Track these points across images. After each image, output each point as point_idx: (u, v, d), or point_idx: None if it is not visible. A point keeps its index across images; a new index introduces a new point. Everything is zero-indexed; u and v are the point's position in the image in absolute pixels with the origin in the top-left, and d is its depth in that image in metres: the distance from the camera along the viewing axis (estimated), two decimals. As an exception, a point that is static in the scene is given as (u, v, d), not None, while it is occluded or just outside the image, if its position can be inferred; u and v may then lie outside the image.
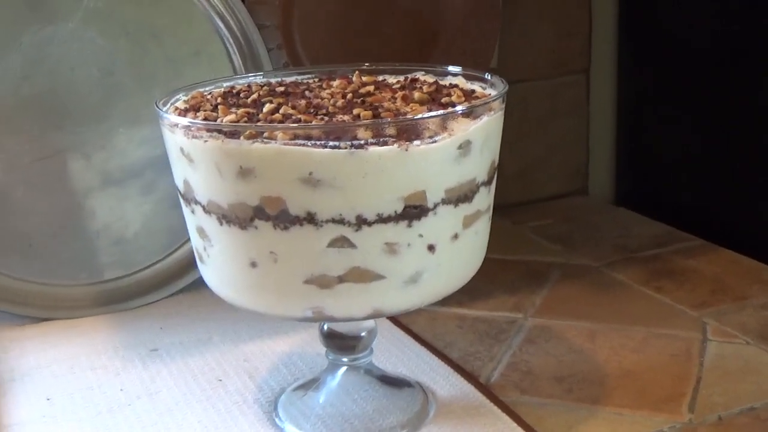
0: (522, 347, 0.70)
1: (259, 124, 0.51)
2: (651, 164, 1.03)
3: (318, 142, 0.48)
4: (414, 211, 0.50)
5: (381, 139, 0.48)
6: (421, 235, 0.51)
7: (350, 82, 0.62)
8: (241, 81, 0.64)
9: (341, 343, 0.60)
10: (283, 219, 0.50)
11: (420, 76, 0.63)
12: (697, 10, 0.93)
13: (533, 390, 0.64)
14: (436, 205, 0.51)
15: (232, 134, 0.50)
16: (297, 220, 0.50)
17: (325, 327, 0.60)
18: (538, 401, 0.62)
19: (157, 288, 0.81)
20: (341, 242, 0.50)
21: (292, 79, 0.65)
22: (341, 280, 0.51)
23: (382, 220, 0.50)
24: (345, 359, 0.61)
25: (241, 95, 0.59)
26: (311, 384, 0.63)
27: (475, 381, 0.64)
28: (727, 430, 0.58)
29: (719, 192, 0.94)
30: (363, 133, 0.49)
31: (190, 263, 0.81)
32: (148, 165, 0.80)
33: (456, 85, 0.60)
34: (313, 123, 0.50)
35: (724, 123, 0.92)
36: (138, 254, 0.81)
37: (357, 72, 0.63)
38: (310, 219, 0.49)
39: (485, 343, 0.71)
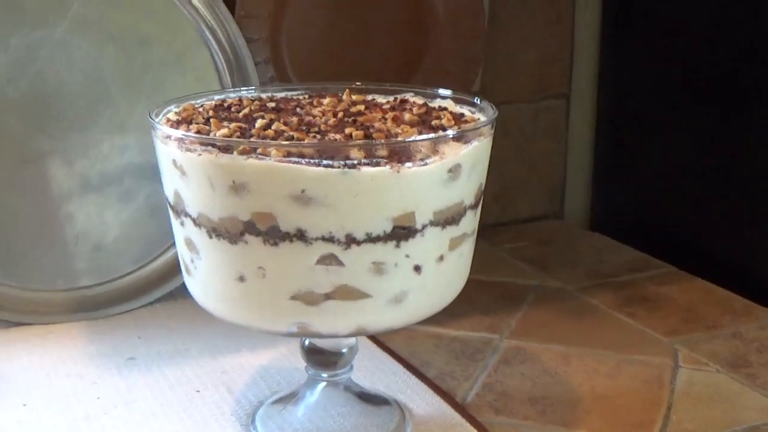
0: (497, 368, 0.71)
1: (253, 140, 0.51)
2: (626, 191, 1.05)
3: (311, 161, 0.49)
4: (402, 231, 0.51)
5: (373, 160, 0.49)
6: (408, 256, 0.52)
7: (340, 101, 0.62)
8: (232, 95, 0.64)
9: (322, 358, 0.60)
10: (273, 235, 0.50)
11: (409, 97, 0.64)
12: (676, 42, 0.95)
13: (508, 411, 0.65)
14: (424, 227, 0.52)
15: (226, 149, 0.50)
16: (287, 237, 0.50)
17: (307, 342, 0.60)
18: (512, 422, 0.63)
19: (134, 297, 0.81)
20: (330, 260, 0.51)
21: (283, 95, 0.65)
22: (328, 297, 0.52)
23: (371, 239, 0.50)
24: (325, 375, 0.61)
25: (232, 109, 0.60)
26: (289, 398, 0.64)
27: (451, 400, 0.65)
28: (698, 457, 0.60)
29: (693, 221, 0.96)
30: (355, 153, 0.49)
31: (168, 272, 0.82)
32: (129, 172, 0.80)
33: (445, 108, 0.61)
34: (307, 141, 0.51)
35: (699, 153, 0.94)
36: (116, 262, 0.81)
37: (347, 90, 0.64)
38: (300, 236, 0.50)
39: (461, 362, 0.72)
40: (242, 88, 0.66)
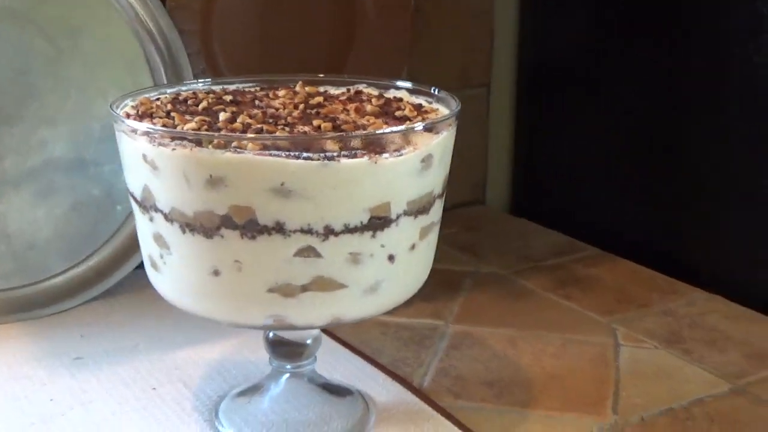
0: (448, 353, 0.72)
1: (233, 134, 0.51)
2: (545, 176, 1.08)
3: (291, 153, 0.49)
4: (378, 222, 0.52)
5: (351, 152, 0.50)
6: (383, 246, 0.52)
7: (295, 93, 0.62)
8: (184, 88, 0.63)
9: (287, 350, 0.60)
10: (251, 228, 0.50)
11: (362, 88, 0.64)
12: (593, 30, 0.98)
13: (466, 395, 0.66)
14: (398, 217, 0.52)
15: (199, 142, 0.50)
16: (265, 230, 0.50)
17: (271, 334, 0.60)
18: (472, 406, 0.65)
19: (71, 295, 0.79)
20: (308, 252, 0.51)
21: (235, 87, 0.65)
22: (305, 289, 0.52)
23: (349, 230, 0.51)
24: (289, 366, 0.61)
25: (189, 102, 0.59)
26: (253, 391, 0.63)
27: (411, 387, 0.66)
28: (650, 430, 0.62)
29: (611, 204, 0.99)
30: (330, 145, 0.50)
31: (105, 269, 0.80)
32: (60, 168, 0.79)
33: (401, 99, 0.61)
34: (281, 134, 0.51)
35: (616, 139, 0.97)
36: (50, 260, 0.79)
37: (301, 82, 0.64)
38: (279, 229, 0.50)
39: (411, 349, 0.73)
40: (194, 81, 0.65)
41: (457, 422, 0.61)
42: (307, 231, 0.50)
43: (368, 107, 0.58)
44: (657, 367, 0.71)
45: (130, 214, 0.80)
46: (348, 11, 0.91)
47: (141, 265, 0.79)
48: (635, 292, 0.85)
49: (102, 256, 0.80)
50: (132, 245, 0.80)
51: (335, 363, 0.69)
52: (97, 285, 0.80)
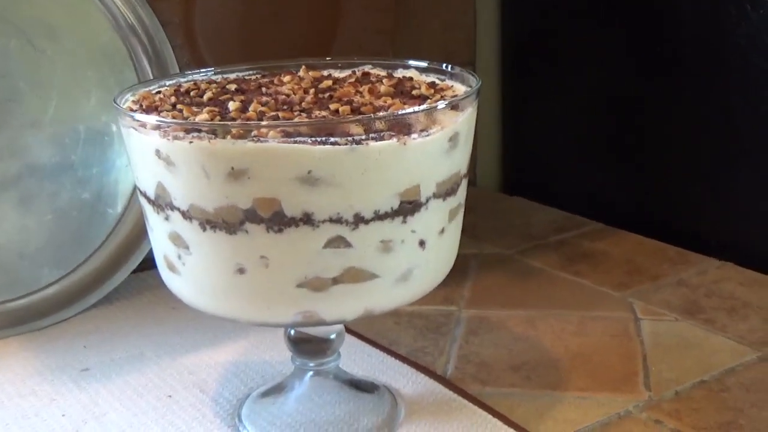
0: (467, 339, 0.70)
1: (251, 122, 0.48)
2: (535, 154, 1.06)
3: (316, 139, 0.46)
4: (408, 206, 0.49)
5: (380, 134, 0.47)
6: (414, 231, 0.50)
7: (300, 78, 0.60)
8: (183, 80, 0.60)
9: (310, 347, 0.58)
10: (278, 221, 0.47)
11: (369, 69, 0.62)
12: (569, 2, 0.97)
13: (493, 381, 0.64)
14: (428, 200, 0.50)
15: (215, 133, 0.47)
16: (292, 222, 0.47)
17: (292, 332, 0.57)
18: (502, 391, 0.63)
19: (68, 304, 0.75)
20: (338, 242, 0.48)
21: (235, 76, 0.62)
22: (335, 281, 0.49)
23: (379, 217, 0.48)
24: (312, 364, 0.59)
25: (192, 94, 0.56)
26: (276, 391, 0.61)
27: (436, 377, 0.64)
28: (687, 404, 0.60)
29: (606, 176, 0.97)
30: (356, 129, 0.47)
31: (100, 276, 0.77)
32: (47, 174, 0.75)
33: (411, 78, 0.59)
34: (301, 120, 0.48)
35: (606, 113, 0.96)
36: (43, 269, 0.75)
37: (304, 67, 0.61)
38: (307, 220, 0.47)
39: (428, 337, 0.71)
40: (193, 72, 0.62)
41: (490, 410, 0.59)
42: (337, 220, 0.48)
43: (381, 88, 0.55)
44: (681, 339, 0.69)
45: (123, 218, 0.78)
46: (331, -5, 0.89)
47: (137, 270, 0.77)
48: (645, 264, 0.83)
49: (97, 262, 0.77)
50: (127, 249, 0.77)
51: (354, 357, 0.67)
52: (94, 292, 0.76)
